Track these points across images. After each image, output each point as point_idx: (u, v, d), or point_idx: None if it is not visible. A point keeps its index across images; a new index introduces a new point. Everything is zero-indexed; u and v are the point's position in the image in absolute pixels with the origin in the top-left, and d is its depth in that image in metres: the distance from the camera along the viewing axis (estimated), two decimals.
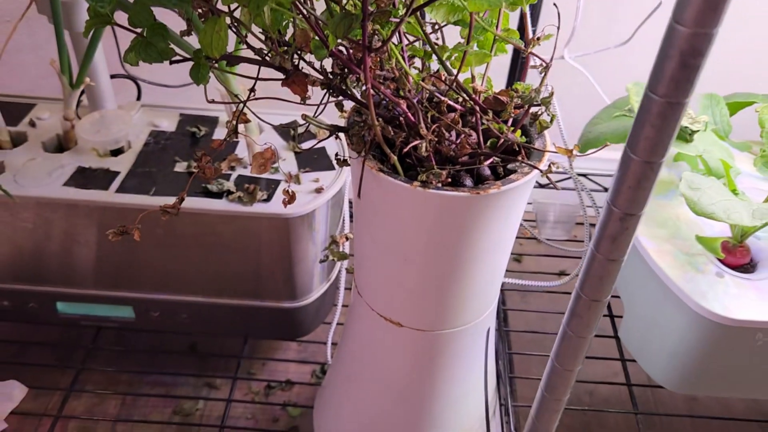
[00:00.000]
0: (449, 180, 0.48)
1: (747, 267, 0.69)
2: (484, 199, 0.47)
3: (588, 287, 0.46)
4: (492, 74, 0.55)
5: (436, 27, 0.54)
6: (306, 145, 0.80)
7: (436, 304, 0.56)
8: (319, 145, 0.81)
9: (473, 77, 0.53)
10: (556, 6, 0.48)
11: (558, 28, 0.48)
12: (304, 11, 0.41)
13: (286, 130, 0.84)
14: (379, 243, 0.54)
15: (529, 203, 1.07)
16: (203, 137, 0.84)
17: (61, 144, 0.83)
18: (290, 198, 0.49)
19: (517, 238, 1.16)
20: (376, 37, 0.45)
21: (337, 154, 0.54)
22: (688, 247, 0.69)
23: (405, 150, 0.45)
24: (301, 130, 0.82)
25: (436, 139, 0.46)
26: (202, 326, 0.85)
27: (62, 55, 0.76)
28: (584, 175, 1.03)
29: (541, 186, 1.05)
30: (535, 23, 0.81)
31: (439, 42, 0.54)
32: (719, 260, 0.68)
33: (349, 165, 0.50)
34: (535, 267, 1.11)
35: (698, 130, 0.65)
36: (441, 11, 0.51)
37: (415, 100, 0.47)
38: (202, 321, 0.84)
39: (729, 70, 1.06)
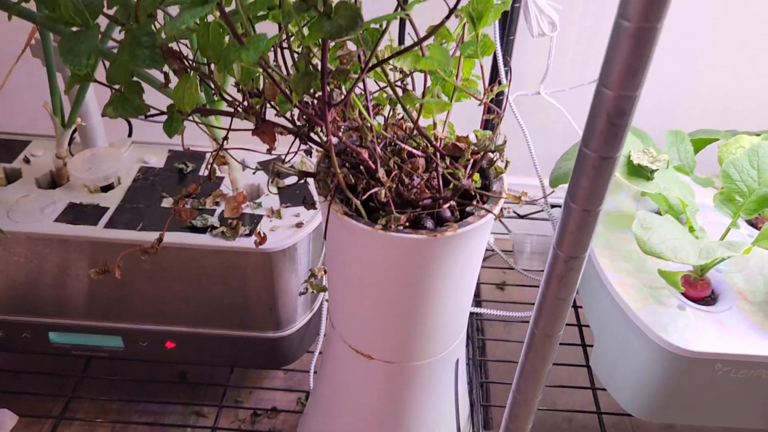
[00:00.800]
0: (410, 222, 0.51)
1: (708, 300, 0.71)
2: (441, 241, 0.50)
3: (541, 324, 0.48)
4: (469, 117, 0.58)
5: (407, 73, 0.57)
6: (288, 182, 0.83)
7: (403, 338, 0.58)
8: (300, 181, 0.85)
9: (435, 124, 0.56)
10: (508, 60, 0.52)
11: (509, 79, 0.51)
12: (269, 70, 0.45)
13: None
14: (348, 280, 0.57)
15: (506, 234, 1.11)
16: (190, 173, 0.88)
17: (54, 180, 0.87)
18: (261, 240, 0.52)
19: (499, 268, 1.20)
20: (338, 90, 0.48)
21: (304, 198, 0.57)
22: (652, 280, 0.72)
23: (365, 196, 0.48)
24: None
25: (394, 185, 0.49)
26: (190, 356, 0.88)
27: (54, 97, 0.80)
28: (558, 206, 1.06)
29: (520, 217, 1.08)
30: (507, 63, 0.85)
31: (409, 87, 0.57)
32: (682, 293, 0.71)
33: (316, 208, 0.54)
34: (518, 297, 1.13)
35: (657, 169, 0.68)
36: (408, 60, 0.55)
37: (378, 148, 0.51)
38: (189, 351, 0.87)
39: (699, 107, 1.09)
